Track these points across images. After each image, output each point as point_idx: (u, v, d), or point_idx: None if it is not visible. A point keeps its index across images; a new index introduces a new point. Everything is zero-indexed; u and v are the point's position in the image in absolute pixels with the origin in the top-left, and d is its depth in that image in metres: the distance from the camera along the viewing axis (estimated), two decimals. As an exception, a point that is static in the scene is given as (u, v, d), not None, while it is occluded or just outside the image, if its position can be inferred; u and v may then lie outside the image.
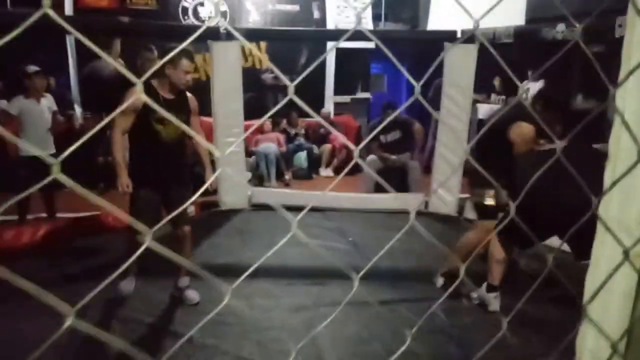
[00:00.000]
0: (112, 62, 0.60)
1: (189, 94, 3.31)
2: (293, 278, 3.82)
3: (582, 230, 0.83)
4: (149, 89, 3.01)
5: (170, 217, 1.74)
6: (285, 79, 0.67)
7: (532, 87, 6.25)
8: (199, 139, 0.72)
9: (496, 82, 8.02)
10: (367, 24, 8.48)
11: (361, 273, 0.64)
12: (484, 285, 3.45)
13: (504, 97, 7.88)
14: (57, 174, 0.43)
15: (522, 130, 3.27)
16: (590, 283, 0.76)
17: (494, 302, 3.34)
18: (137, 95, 0.51)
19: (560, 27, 4.59)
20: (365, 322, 3.17)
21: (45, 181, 0.47)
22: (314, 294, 3.58)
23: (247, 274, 0.63)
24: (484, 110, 7.40)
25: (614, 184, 0.64)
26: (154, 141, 3.10)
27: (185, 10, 7.66)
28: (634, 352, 0.74)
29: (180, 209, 3.02)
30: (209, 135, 5.38)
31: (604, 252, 0.75)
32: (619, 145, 0.73)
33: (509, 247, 3.30)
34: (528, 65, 6.25)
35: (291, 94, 0.59)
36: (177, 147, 3.24)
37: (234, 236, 4.83)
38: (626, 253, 0.66)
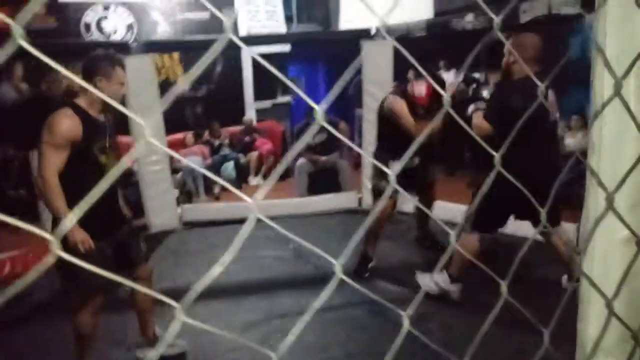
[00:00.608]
0: (119, 107, 0.49)
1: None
2: (240, 295, 3.70)
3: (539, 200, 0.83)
4: (76, 111, 2.38)
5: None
6: (311, 101, 0.60)
7: (446, 77, 6.48)
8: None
9: (410, 75, 8.25)
10: (280, 27, 8.44)
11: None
12: (437, 273, 3.32)
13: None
14: (57, 251, 0.35)
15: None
16: (590, 273, 0.75)
17: (456, 290, 3.33)
18: (146, 140, 0.41)
19: (469, 17, 4.78)
20: (321, 329, 3.12)
21: (47, 264, 0.39)
22: (264, 308, 3.48)
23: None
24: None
25: (626, 175, 0.63)
26: (96, 177, 2.45)
27: (87, 26, 7.24)
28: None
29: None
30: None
31: (599, 243, 0.74)
32: (601, 134, 0.73)
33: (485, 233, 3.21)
34: (441, 56, 6.48)
35: (321, 120, 0.52)
36: (118, 181, 2.66)
37: (168, 259, 4.61)
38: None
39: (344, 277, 0.54)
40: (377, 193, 3.89)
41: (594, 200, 0.80)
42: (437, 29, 5.31)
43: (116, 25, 7.40)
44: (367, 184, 5.55)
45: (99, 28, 7.30)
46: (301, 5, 9.01)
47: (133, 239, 2.72)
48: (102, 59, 2.44)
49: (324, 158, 5.87)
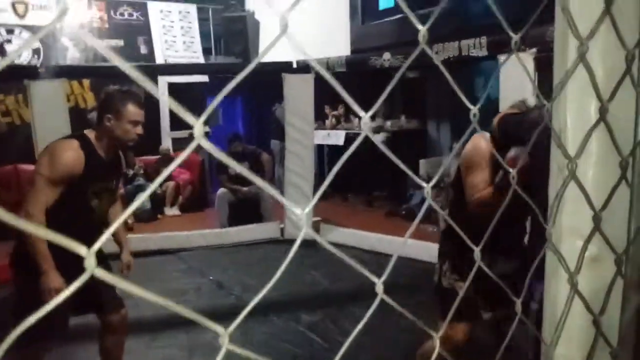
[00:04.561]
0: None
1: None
2: (155, 330, 3.48)
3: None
4: (87, 147, 2.14)
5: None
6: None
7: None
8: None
9: (327, 110, 8.46)
10: (198, 57, 8.38)
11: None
12: None
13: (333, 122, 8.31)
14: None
15: None
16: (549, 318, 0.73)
17: None
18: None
19: (386, 55, 5.01)
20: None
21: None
22: (184, 343, 3.30)
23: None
24: (320, 136, 7.74)
25: (604, 197, 0.64)
26: (84, 221, 2.13)
27: (-11, 48, 6.76)
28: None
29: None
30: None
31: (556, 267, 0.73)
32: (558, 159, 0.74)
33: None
34: (359, 91, 6.71)
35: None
36: (104, 225, 2.30)
37: (78, 294, 4.28)
38: (619, 261, 0.65)
39: (385, 297, 0.52)
40: (444, 293, 2.21)
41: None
42: (356, 66, 5.52)
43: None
44: (290, 214, 5.53)
45: (1, 51, 6.83)
46: (220, 39, 9.00)
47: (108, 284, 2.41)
48: (114, 94, 2.18)
49: (245, 188, 5.80)
